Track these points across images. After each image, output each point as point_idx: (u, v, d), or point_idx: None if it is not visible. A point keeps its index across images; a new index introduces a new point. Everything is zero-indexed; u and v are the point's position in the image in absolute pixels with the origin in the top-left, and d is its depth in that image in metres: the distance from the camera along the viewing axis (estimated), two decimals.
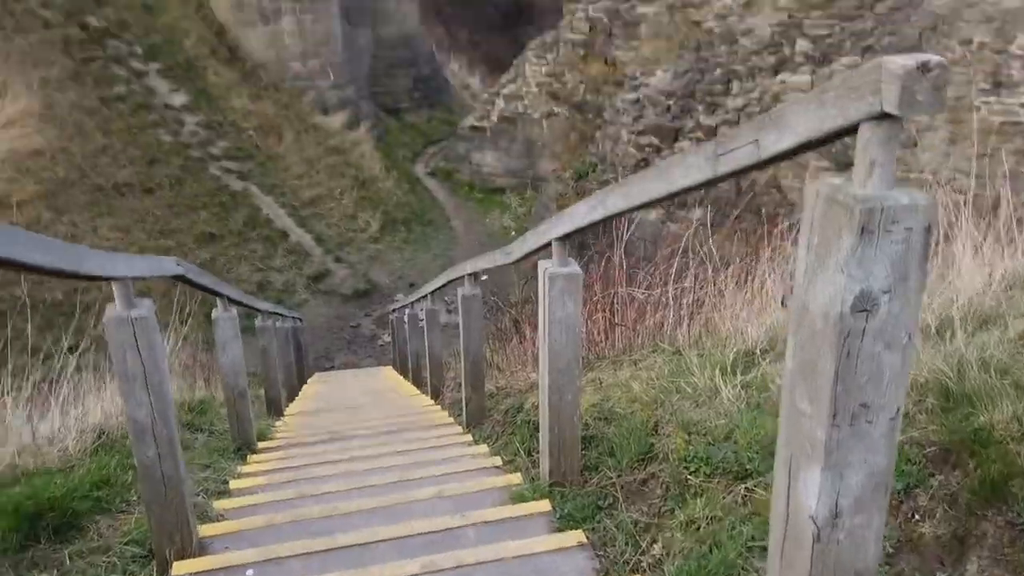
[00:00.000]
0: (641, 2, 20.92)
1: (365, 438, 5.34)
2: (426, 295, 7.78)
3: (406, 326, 9.90)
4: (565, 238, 2.94)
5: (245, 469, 4.46)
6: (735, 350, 3.67)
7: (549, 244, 3.08)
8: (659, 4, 20.57)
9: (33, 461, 3.61)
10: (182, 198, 17.65)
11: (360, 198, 20.79)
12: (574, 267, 2.94)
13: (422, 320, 9.12)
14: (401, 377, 11.05)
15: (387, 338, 16.35)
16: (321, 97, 23.76)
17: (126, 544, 2.86)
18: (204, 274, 4.50)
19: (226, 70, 21.81)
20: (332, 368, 15.49)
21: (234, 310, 4.86)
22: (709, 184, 1.81)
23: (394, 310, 13.16)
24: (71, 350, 5.26)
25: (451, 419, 5.90)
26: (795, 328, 1.37)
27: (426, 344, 7.54)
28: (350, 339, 16.74)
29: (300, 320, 12.80)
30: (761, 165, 1.59)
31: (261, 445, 5.29)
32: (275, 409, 7.25)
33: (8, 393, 4.39)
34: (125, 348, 2.47)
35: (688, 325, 5.50)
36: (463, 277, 5.22)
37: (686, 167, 1.86)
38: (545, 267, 2.92)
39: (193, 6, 22.54)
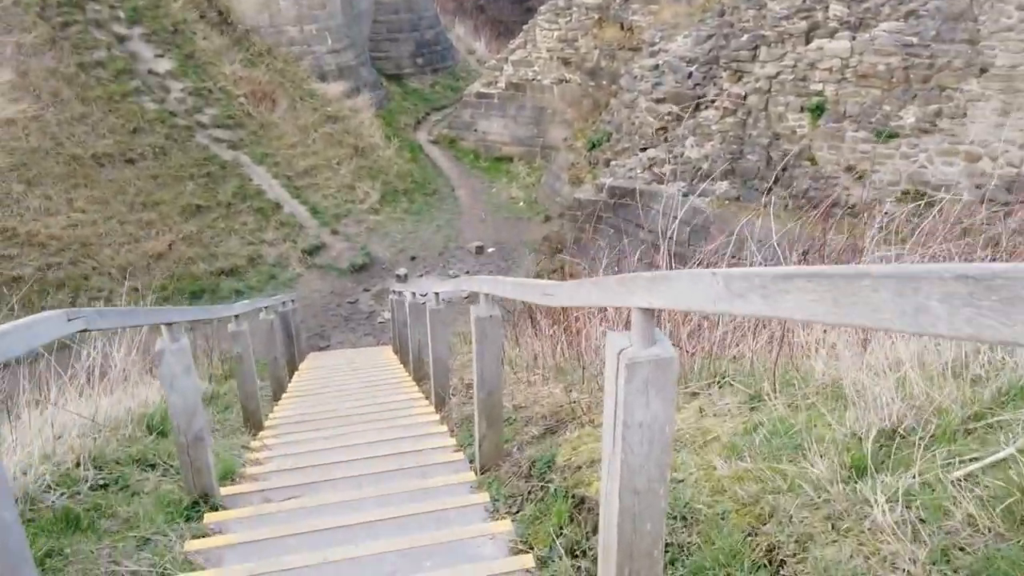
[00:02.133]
0: None
1: (352, 483, 4.31)
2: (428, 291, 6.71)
3: (407, 310, 8.82)
4: (652, 312, 1.84)
5: (192, 546, 3.42)
6: (859, 422, 2.58)
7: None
8: None
9: None
10: (167, 169, 16.49)
11: (359, 168, 19.62)
12: (665, 347, 1.83)
13: (423, 305, 8.13)
14: (400, 365, 10.04)
15: (387, 315, 15.33)
16: (318, 63, 22.45)
17: None
18: (129, 312, 3.43)
19: (216, 35, 20.48)
20: (327, 347, 14.49)
21: (184, 339, 3.78)
22: None
23: (394, 291, 12.09)
24: None
25: (459, 453, 4.86)
26: None
27: (430, 348, 6.48)
28: (347, 316, 15.69)
29: (292, 302, 11.71)
30: None
31: (225, 492, 4.26)
32: (253, 423, 6.21)
33: None
34: None
35: (754, 340, 4.44)
36: (478, 295, 4.13)
37: None
38: (620, 346, 1.82)
39: None
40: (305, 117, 19.93)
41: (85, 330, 2.65)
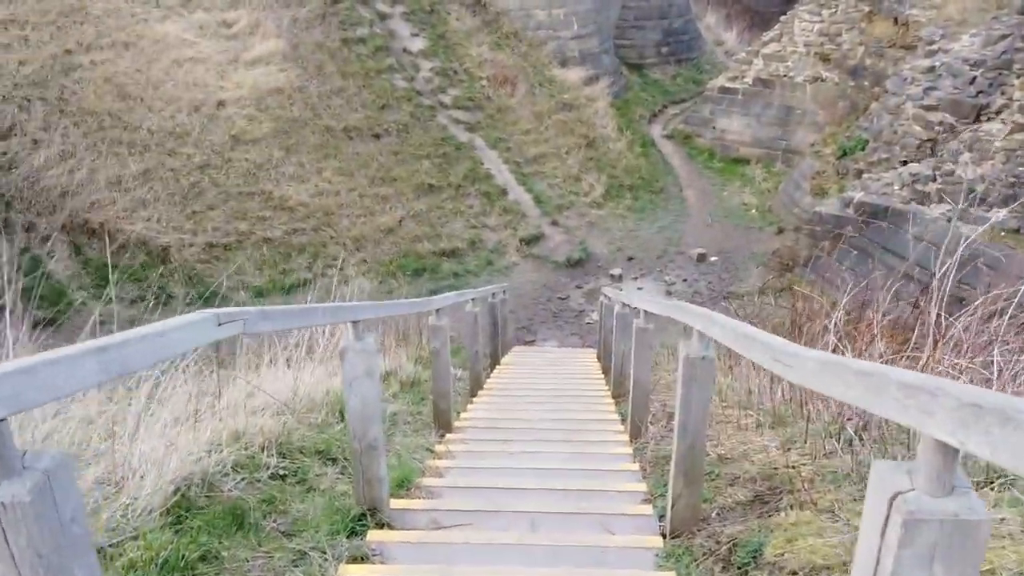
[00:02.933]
0: None
1: (526, 520, 3.92)
2: (635, 306, 6.15)
3: (614, 321, 8.29)
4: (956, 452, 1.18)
5: (346, 572, 3.19)
6: None
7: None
8: None
9: None
10: (407, 146, 17.23)
11: (586, 159, 19.32)
12: (972, 501, 1.16)
13: (630, 317, 7.61)
14: (602, 375, 9.58)
15: (595, 316, 14.93)
16: (561, 48, 22.40)
17: None
18: (302, 312, 3.21)
19: (468, 16, 21.09)
20: (533, 342, 14.38)
21: (370, 338, 3.56)
22: None
23: (604, 295, 11.60)
24: None
25: (648, 506, 4.29)
26: None
27: (631, 368, 5.94)
28: (556, 312, 15.48)
29: (503, 292, 11.64)
30: None
31: (396, 505, 4.04)
32: (442, 423, 6.05)
33: None
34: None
35: None
36: (692, 329, 3.52)
37: None
38: (894, 487, 1.19)
39: None
40: (541, 103, 19.96)
41: (243, 334, 2.39)
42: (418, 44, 19.62)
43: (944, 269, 4.86)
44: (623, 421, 6.74)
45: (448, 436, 5.87)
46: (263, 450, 4.12)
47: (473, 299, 8.34)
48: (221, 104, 15.71)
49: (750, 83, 21.45)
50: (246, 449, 4.04)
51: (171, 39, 16.59)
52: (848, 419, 4.25)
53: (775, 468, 4.11)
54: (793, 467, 4.01)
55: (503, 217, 16.91)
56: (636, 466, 5.06)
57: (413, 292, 14.64)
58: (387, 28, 19.46)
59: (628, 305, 7.89)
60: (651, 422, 6.00)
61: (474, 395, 8.08)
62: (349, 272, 14.81)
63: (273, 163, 15.46)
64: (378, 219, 15.63)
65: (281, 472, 4.08)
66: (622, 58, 25.55)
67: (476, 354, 8.36)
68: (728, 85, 21.94)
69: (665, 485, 4.35)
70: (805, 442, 4.35)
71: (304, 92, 16.66)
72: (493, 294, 10.36)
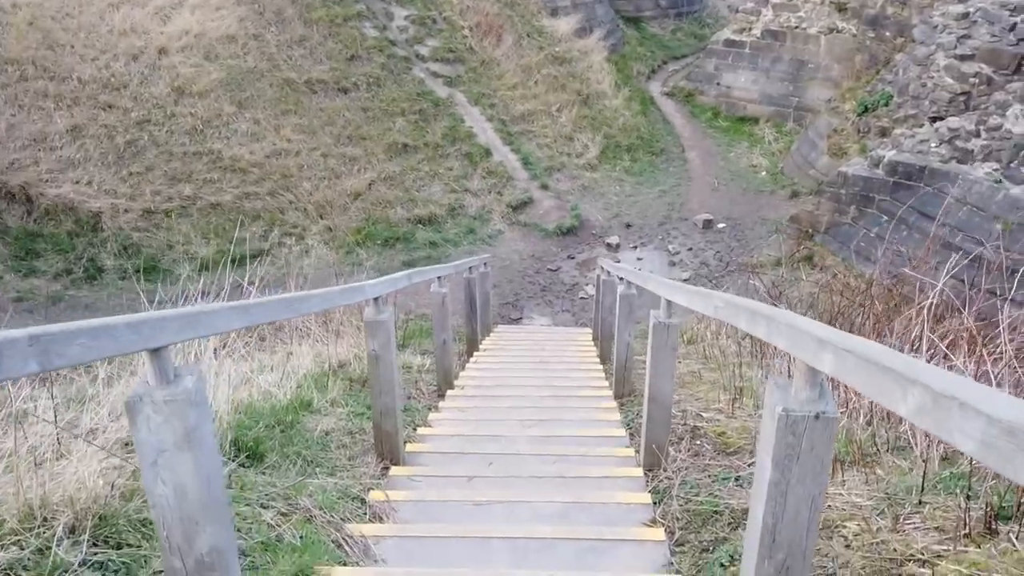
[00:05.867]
0: None
1: None
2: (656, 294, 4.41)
3: (618, 304, 6.56)
4: None
5: None
6: None
7: None
8: None
9: None
10: (379, 101, 15.33)
11: (580, 117, 17.46)
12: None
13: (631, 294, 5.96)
14: (599, 364, 7.92)
15: (590, 290, 13.25)
16: None
17: None
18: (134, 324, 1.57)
19: None
20: (519, 320, 12.70)
21: (189, 381, 1.87)
22: None
23: (602, 268, 9.80)
24: None
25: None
26: None
27: (647, 380, 4.24)
28: (545, 285, 13.73)
29: (484, 265, 9.92)
30: None
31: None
32: (386, 452, 4.35)
33: None
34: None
35: None
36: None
37: None
38: None
39: None
40: (529, 56, 18.04)
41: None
42: None
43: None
44: (632, 437, 5.09)
45: (393, 472, 4.18)
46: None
47: (440, 277, 6.61)
48: (163, 52, 13.76)
49: (758, 35, 19.57)
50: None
51: None
52: None
53: None
54: None
55: (487, 180, 15.10)
56: (661, 534, 3.37)
57: (384, 264, 12.88)
58: None
59: (634, 283, 6.18)
60: (671, 443, 4.36)
61: (442, 395, 6.41)
62: (310, 242, 13.04)
63: (223, 119, 13.57)
64: (345, 182, 13.79)
65: None
66: (618, 11, 23.57)
67: (444, 344, 6.65)
68: (734, 38, 20.04)
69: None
70: None
71: (260, 40, 14.70)
72: (471, 268, 8.64)
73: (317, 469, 3.98)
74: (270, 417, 4.28)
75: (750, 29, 19.73)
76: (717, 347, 7.22)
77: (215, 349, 4.83)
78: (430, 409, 5.85)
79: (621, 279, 8.10)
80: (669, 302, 4.03)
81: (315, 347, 7.00)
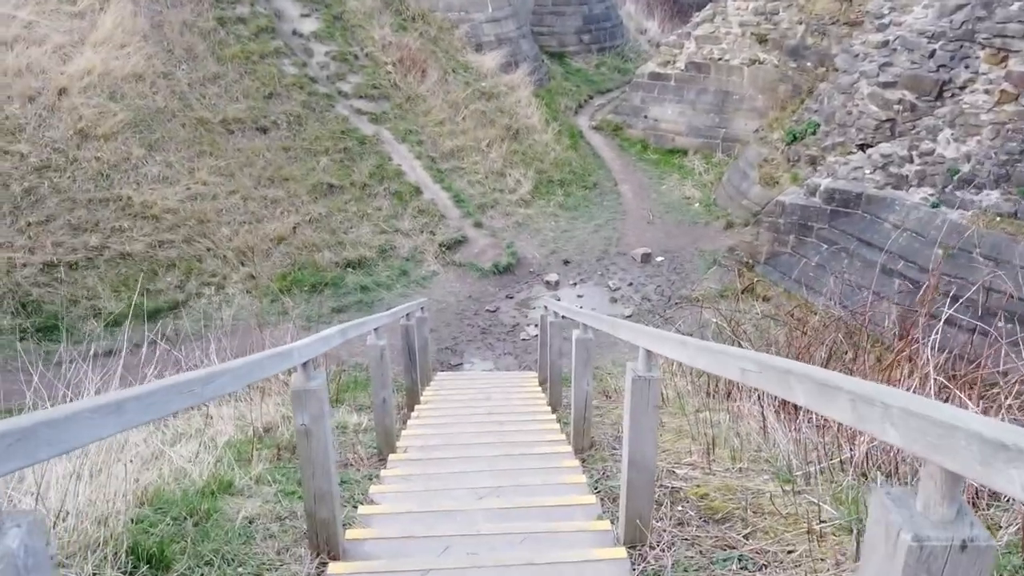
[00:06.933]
0: None
1: None
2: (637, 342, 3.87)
3: (573, 346, 5.96)
4: None
5: None
6: None
7: None
8: None
9: None
10: (301, 140, 14.60)
11: (511, 152, 17.10)
12: None
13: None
14: (550, 413, 7.34)
15: (532, 331, 12.72)
16: (475, 32, 20.17)
17: None
18: None
19: None
20: (460, 366, 12.04)
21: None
22: None
23: (546, 307, 9.25)
24: None
25: None
26: None
27: (625, 446, 3.67)
28: (485, 327, 13.13)
29: (422, 310, 9.27)
30: None
31: None
32: (322, 544, 3.65)
33: None
34: None
35: None
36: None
37: None
38: None
39: None
40: (456, 92, 17.64)
41: None
42: (310, 25, 17.01)
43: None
44: (603, 503, 4.50)
45: (331, 570, 3.46)
46: None
47: (377, 329, 5.95)
48: (63, 92, 12.75)
49: (683, 68, 19.73)
50: None
51: None
52: None
53: None
54: None
55: (418, 220, 14.50)
56: None
57: (312, 312, 12.07)
58: (272, 7, 16.77)
59: (589, 326, 5.63)
60: (657, 518, 3.80)
61: (384, 460, 5.71)
62: (231, 291, 12.13)
63: (132, 162, 12.61)
64: (267, 226, 12.96)
65: None
66: (542, 47, 23.54)
67: (384, 403, 5.96)
68: (659, 71, 20.15)
69: None
70: None
71: (170, 78, 13.83)
72: (408, 314, 7.99)
73: (239, 570, 3.28)
74: (182, 506, 3.59)
75: (674, 62, 19.87)
76: (672, 387, 6.75)
77: None
78: (371, 479, 5.15)
79: (559, 314, 7.58)
80: (649, 352, 3.50)
81: (238, 407, 6.26)
